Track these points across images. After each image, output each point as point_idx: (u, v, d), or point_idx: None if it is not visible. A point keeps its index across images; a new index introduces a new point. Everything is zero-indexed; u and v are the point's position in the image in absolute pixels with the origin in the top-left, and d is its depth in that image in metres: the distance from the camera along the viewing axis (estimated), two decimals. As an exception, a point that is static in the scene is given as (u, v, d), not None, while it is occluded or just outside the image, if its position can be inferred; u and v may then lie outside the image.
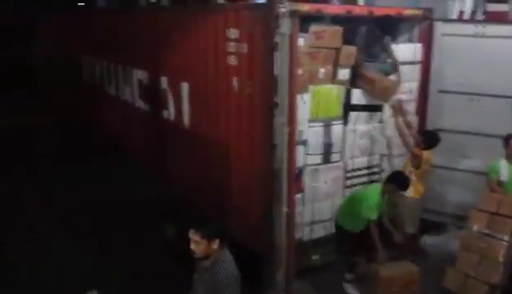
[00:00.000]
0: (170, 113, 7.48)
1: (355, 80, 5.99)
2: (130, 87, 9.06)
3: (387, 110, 6.19)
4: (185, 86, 6.94)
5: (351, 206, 5.71)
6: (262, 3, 5.58)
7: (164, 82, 7.56)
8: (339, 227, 5.82)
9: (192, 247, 3.49)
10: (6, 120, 13.43)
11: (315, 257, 5.96)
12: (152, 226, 6.98)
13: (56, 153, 10.91)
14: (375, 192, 5.55)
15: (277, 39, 5.04)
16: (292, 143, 5.32)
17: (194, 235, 3.48)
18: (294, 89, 5.22)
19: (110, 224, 7.34)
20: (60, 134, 12.37)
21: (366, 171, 6.28)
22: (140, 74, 8.51)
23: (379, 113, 6.21)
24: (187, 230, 3.52)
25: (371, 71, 5.95)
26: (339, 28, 5.71)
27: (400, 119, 6.08)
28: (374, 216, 5.41)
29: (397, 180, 5.55)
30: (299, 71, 5.38)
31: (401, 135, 6.07)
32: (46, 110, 14.06)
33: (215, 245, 3.48)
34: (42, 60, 15.77)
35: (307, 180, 5.79)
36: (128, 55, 9.06)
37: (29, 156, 10.82)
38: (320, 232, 5.99)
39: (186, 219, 3.71)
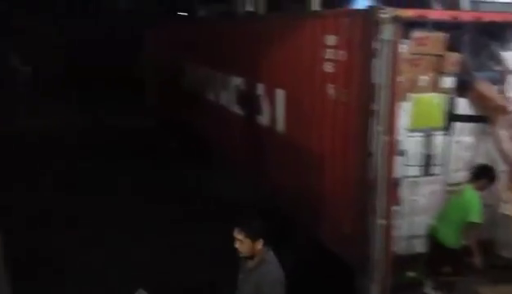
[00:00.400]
0: (265, 118, 7.54)
1: (461, 89, 5.68)
2: (228, 93, 9.27)
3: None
4: (280, 93, 6.96)
5: (451, 217, 5.40)
6: (362, 9, 5.46)
7: (260, 88, 7.63)
8: (437, 243, 5.50)
9: (237, 245, 3.50)
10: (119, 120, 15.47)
11: (411, 274, 5.70)
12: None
13: (162, 151, 12.53)
14: (472, 194, 5.29)
15: (377, 46, 4.91)
16: (390, 152, 5.12)
17: (238, 234, 3.49)
18: (395, 97, 5.04)
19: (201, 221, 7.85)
20: (166, 134, 13.99)
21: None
22: (237, 81, 8.68)
23: (485, 125, 5.84)
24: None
25: (486, 85, 5.63)
26: (442, 35, 5.46)
27: (502, 132, 5.69)
28: (480, 219, 5.17)
29: (486, 174, 5.35)
30: (399, 78, 5.20)
31: (500, 149, 5.71)
32: (151, 112, 15.62)
33: (259, 245, 3.48)
34: (148, 66, 16.76)
35: (404, 192, 5.57)
36: (227, 63, 9.28)
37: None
38: (417, 247, 5.72)
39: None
